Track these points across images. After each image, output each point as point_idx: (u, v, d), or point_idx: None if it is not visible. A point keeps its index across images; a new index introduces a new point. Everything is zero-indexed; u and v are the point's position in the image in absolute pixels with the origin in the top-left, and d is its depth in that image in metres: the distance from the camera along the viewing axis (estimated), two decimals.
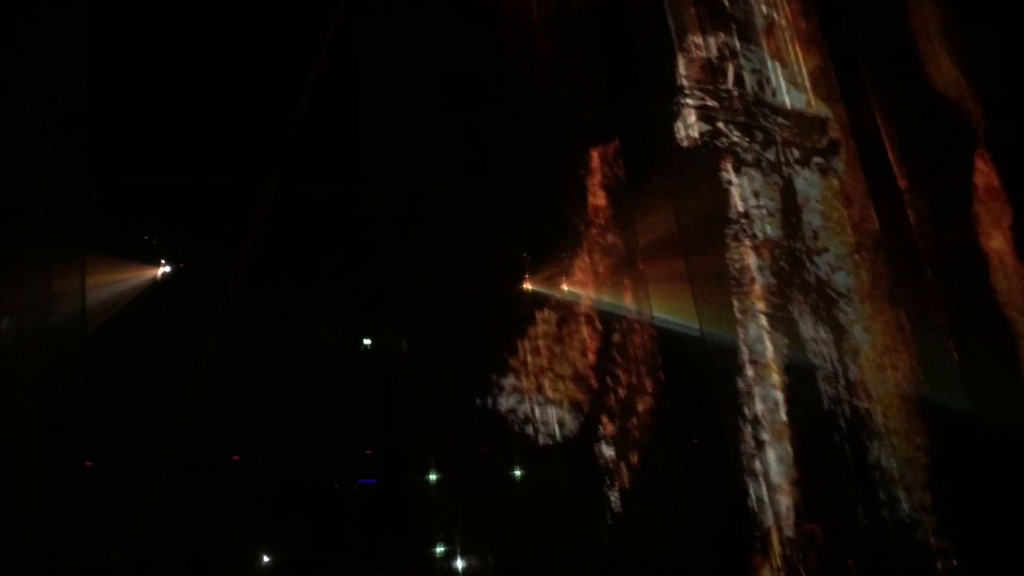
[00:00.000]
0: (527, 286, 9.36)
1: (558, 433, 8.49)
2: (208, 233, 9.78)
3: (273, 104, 9.56)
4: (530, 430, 8.56)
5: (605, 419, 8.56)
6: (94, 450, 7.21)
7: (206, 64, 9.03)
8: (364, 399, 9.38)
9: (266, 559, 9.16)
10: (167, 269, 9.66)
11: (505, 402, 8.73)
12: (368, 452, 9.64)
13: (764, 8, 10.26)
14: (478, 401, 8.76)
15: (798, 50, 10.24)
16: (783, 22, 10.29)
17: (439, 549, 8.46)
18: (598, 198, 9.43)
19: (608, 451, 8.43)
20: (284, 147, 9.68)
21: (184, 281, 9.63)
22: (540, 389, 8.72)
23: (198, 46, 9.01)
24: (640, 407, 8.58)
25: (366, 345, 10.42)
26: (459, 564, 8.42)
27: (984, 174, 10.09)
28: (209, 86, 9.19)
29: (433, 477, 8.80)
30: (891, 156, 9.85)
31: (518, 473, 8.62)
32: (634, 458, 8.44)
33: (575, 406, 8.63)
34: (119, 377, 8.16)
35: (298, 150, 9.79)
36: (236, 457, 9.38)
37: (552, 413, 8.61)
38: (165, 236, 9.84)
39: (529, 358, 8.89)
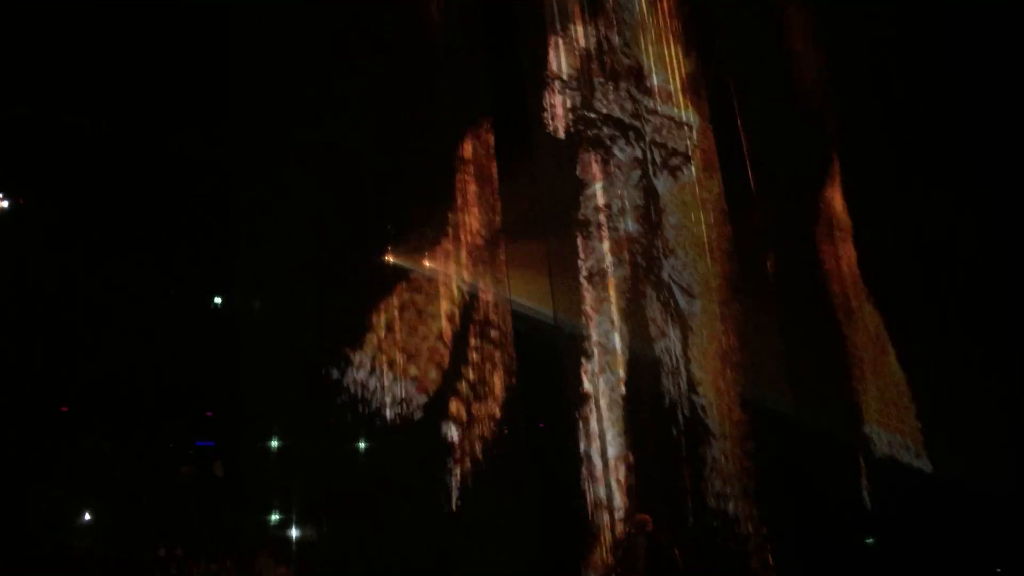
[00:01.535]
0: (388, 259, 9.26)
1: (406, 410, 8.48)
2: (57, 171, 9.24)
3: (141, 49, 9.12)
4: (377, 405, 8.52)
5: (454, 400, 8.60)
6: None
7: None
8: (209, 359, 9.08)
9: (89, 516, 8.77)
10: (4, 204, 9.07)
11: (355, 374, 8.66)
12: (209, 414, 9.35)
13: (646, 11, 10.46)
14: (327, 371, 8.65)
15: (675, 56, 10.51)
16: (663, 27, 10.53)
17: (275, 517, 8.35)
18: (467, 178, 9.42)
19: (454, 431, 8.48)
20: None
21: (25, 217, 9.07)
22: (392, 365, 8.68)
23: None
24: (490, 390, 8.67)
25: (216, 303, 10.08)
26: (293, 533, 8.34)
27: (833, 190, 10.65)
28: (78, 23, 8.72)
29: (275, 444, 8.65)
30: (748, 164, 10.28)
31: (362, 446, 8.57)
32: (479, 439, 8.53)
33: (425, 385, 8.64)
34: None
35: (162, 98, 9.37)
36: (65, 408, 8.91)
37: (401, 389, 8.59)
38: (8, 169, 9.22)
39: (383, 332, 8.83)
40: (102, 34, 8.82)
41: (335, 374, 8.67)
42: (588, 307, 9.02)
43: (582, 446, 8.63)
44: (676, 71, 10.48)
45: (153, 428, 9.06)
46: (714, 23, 11.01)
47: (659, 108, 10.19)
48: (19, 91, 8.82)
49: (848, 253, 10.48)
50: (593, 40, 10.00)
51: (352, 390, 8.59)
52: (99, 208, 9.01)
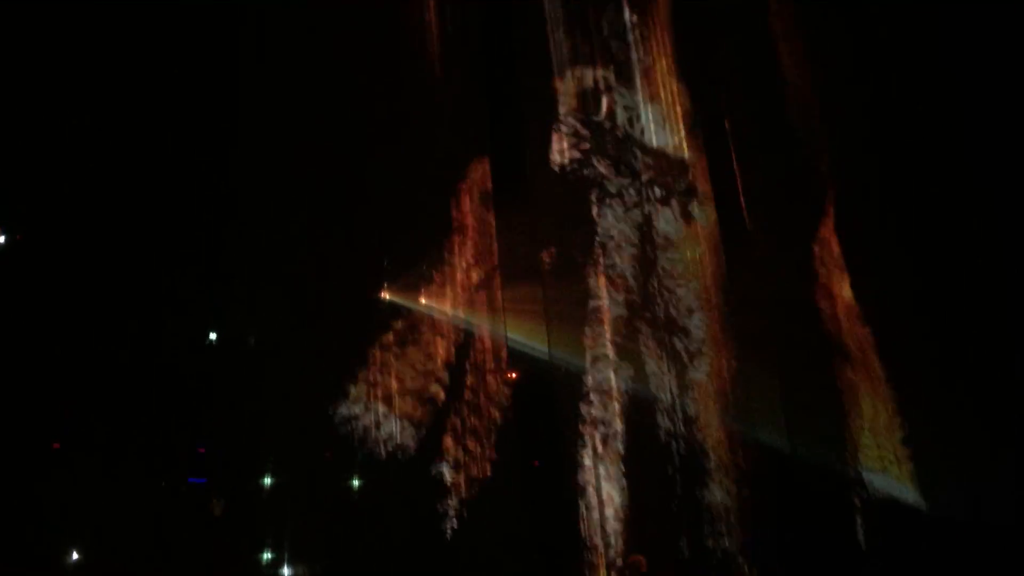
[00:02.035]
0: (385, 295, 9.28)
1: (400, 447, 8.46)
2: (55, 207, 9.28)
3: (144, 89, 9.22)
4: (372, 441, 8.50)
5: (449, 437, 8.59)
6: None
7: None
8: (204, 394, 9.06)
9: (78, 555, 8.68)
10: (1, 240, 9.10)
11: (350, 410, 8.65)
12: (202, 450, 9.29)
13: (642, 50, 10.56)
14: (323, 406, 8.65)
15: (670, 94, 10.58)
16: (658, 66, 10.61)
17: (267, 555, 8.29)
18: (465, 214, 9.47)
19: (449, 468, 8.45)
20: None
21: (23, 254, 9.09)
22: (387, 401, 8.67)
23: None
24: (485, 427, 8.65)
25: (211, 339, 10.06)
26: (286, 571, 8.28)
27: (828, 228, 10.65)
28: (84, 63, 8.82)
29: (268, 480, 8.61)
30: (743, 205, 10.31)
31: (356, 483, 8.54)
32: (474, 477, 8.50)
33: (420, 421, 8.63)
34: None
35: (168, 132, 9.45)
36: (57, 445, 8.85)
37: (396, 426, 8.57)
38: (6, 205, 9.26)
39: (379, 368, 8.84)
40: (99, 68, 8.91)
41: (331, 410, 8.66)
42: (584, 344, 9.00)
43: (577, 485, 8.59)
44: (672, 110, 10.55)
45: (145, 464, 9.00)
46: (709, 62, 11.09)
47: (655, 147, 10.24)
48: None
49: (843, 291, 10.48)
50: (590, 80, 10.08)
51: (348, 426, 8.59)
52: (95, 240, 9.03)
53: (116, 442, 8.70)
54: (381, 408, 8.69)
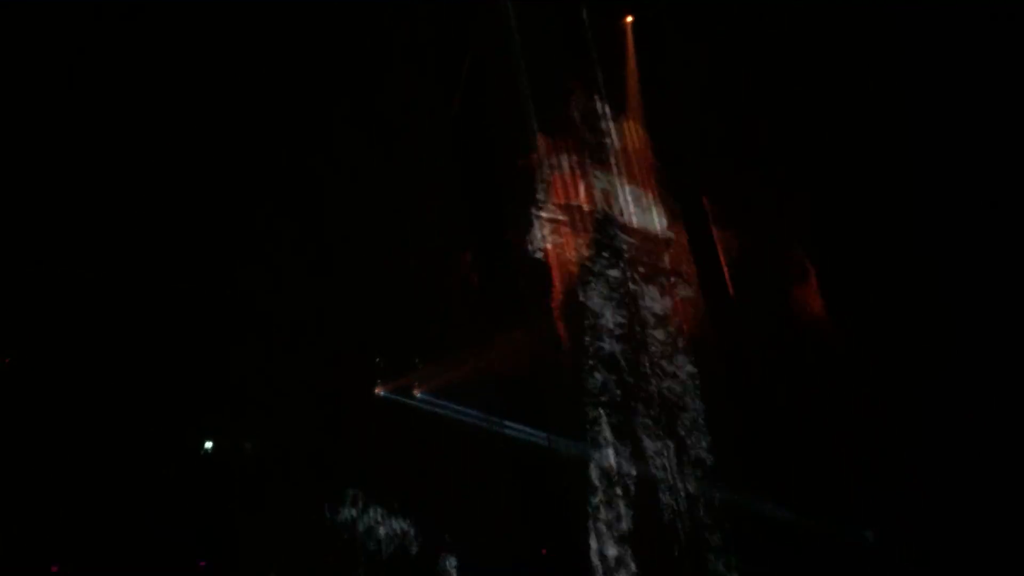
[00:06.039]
0: (379, 391, 9.30)
1: (402, 546, 8.38)
2: (45, 324, 9.27)
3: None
4: (374, 542, 8.42)
5: (451, 532, 8.51)
6: None
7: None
8: (202, 504, 8.97)
9: None
10: None
11: (350, 511, 8.58)
12: (203, 563, 9.17)
13: (614, 133, 10.84)
14: (322, 509, 8.58)
15: (645, 174, 10.83)
16: (631, 147, 10.89)
17: None
18: (453, 305, 9.55)
19: (454, 564, 8.36)
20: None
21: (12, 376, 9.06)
22: (385, 499, 8.62)
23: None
24: (490, 519, 8.58)
25: (207, 448, 10.00)
26: None
27: (811, 299, 10.79)
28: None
29: None
30: (727, 278, 10.47)
31: None
32: (483, 568, 8.40)
33: (421, 518, 8.56)
34: None
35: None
36: (55, 568, 8.72)
37: (398, 525, 8.50)
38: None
39: (376, 466, 8.80)
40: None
41: (331, 512, 8.59)
42: (583, 428, 9.02)
43: (587, 570, 8.51)
44: (650, 192, 10.78)
45: None
46: (683, 140, 11.36)
47: (636, 226, 10.44)
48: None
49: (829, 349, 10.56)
50: (567, 165, 10.30)
51: (348, 527, 8.51)
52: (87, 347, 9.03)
53: (114, 559, 8.59)
54: (382, 508, 8.63)
